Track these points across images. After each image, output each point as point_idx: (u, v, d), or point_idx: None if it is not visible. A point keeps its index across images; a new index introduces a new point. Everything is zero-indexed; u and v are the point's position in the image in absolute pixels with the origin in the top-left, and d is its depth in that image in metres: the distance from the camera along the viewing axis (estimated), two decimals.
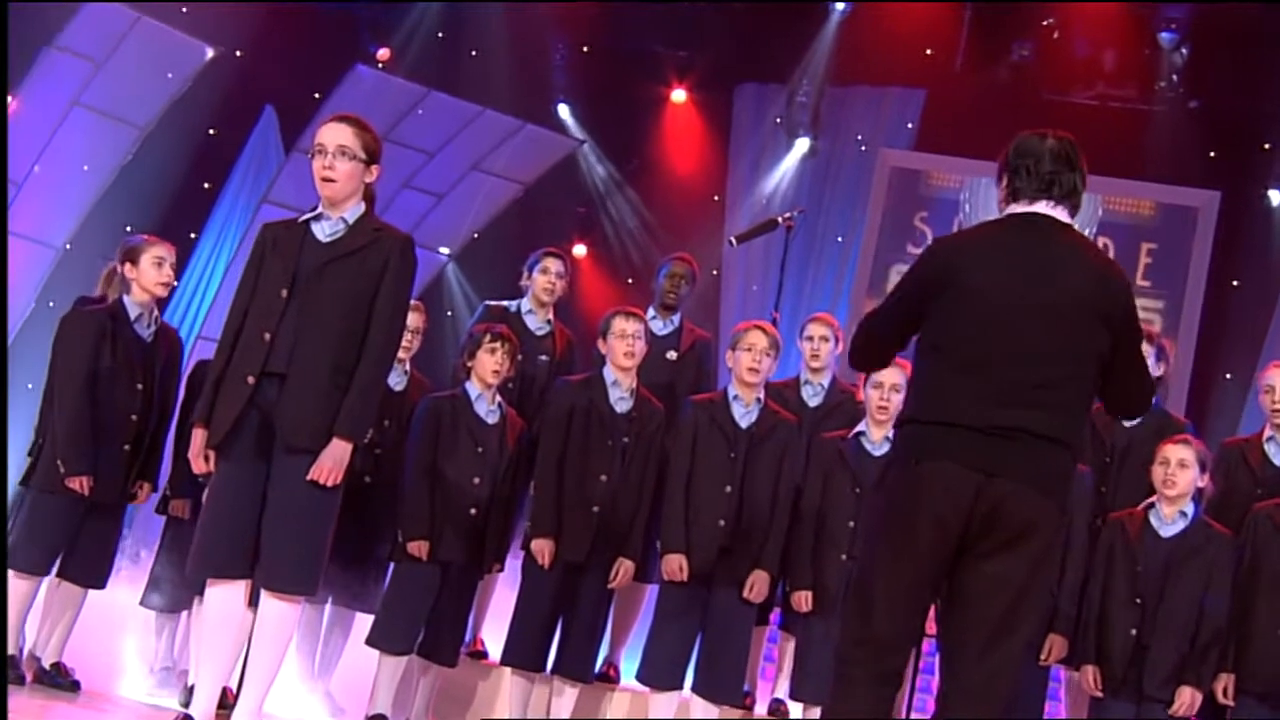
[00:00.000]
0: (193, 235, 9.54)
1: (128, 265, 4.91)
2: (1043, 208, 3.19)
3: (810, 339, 5.44)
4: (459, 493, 4.90)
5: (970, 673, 3.04)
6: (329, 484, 3.64)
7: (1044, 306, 3.08)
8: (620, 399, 5.05)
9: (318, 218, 3.81)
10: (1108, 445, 5.06)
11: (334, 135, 3.77)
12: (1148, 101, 9.30)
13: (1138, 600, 4.61)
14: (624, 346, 5.02)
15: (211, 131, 9.40)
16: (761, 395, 5.00)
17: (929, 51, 9.55)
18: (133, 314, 4.91)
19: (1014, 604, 3.04)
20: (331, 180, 3.75)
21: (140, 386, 4.88)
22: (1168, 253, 9.24)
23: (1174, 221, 9.25)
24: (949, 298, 3.13)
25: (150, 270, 4.89)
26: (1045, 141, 3.23)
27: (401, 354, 5.15)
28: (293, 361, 3.65)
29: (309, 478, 3.62)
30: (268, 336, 3.67)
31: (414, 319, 5.20)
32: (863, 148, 9.94)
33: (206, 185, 9.57)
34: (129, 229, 8.42)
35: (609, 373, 5.07)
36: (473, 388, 5.01)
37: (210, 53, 8.97)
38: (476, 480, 4.92)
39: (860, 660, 3.07)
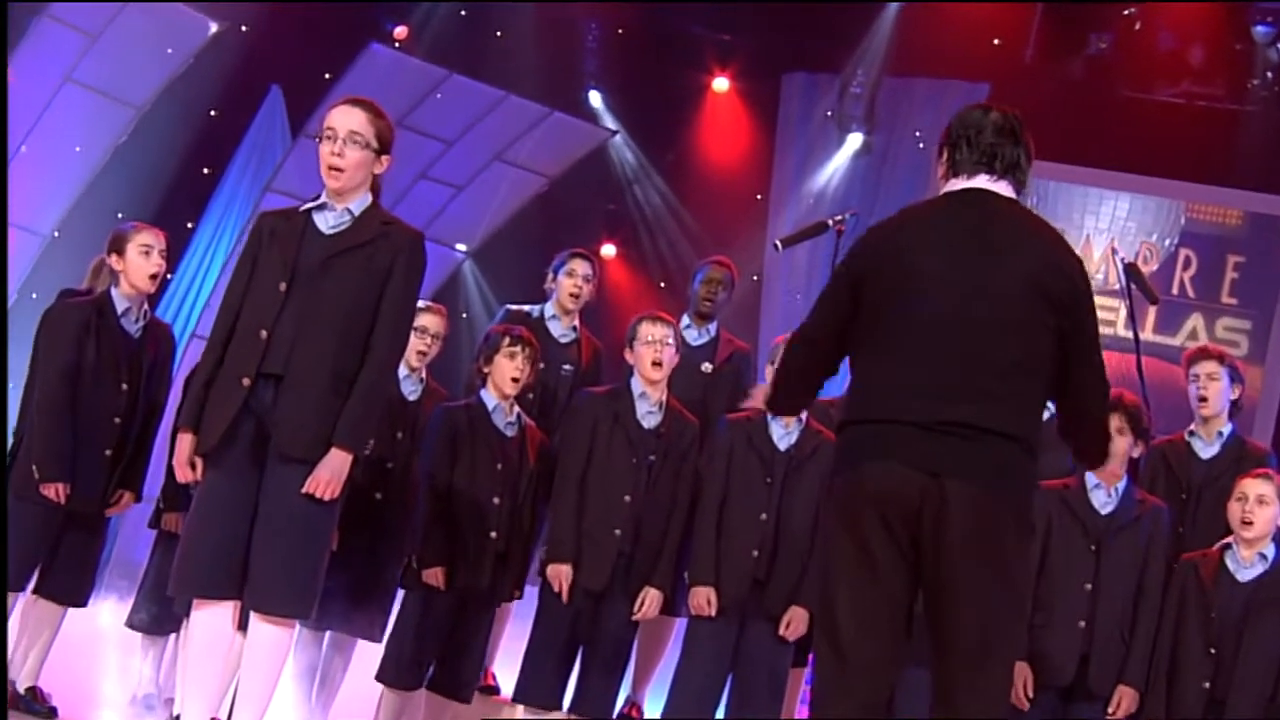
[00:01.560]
0: (190, 225, 9.60)
1: (114, 256, 4.92)
2: (982, 182, 3.16)
3: None
4: (478, 513, 4.89)
5: (957, 701, 2.98)
6: (326, 498, 3.65)
7: (985, 289, 3.03)
8: (648, 413, 5.06)
9: (320, 208, 3.82)
10: (1183, 480, 5.05)
11: (345, 119, 3.79)
12: (1238, 101, 9.25)
13: (1212, 651, 4.58)
14: (651, 354, 5.02)
15: (213, 113, 9.46)
16: (804, 414, 5.00)
17: (996, 42, 9.53)
18: (120, 308, 4.92)
19: (983, 622, 2.97)
20: (339, 169, 3.77)
21: (125, 386, 4.89)
22: (1257, 267, 9.19)
23: (1264, 232, 9.19)
24: (880, 285, 3.10)
25: (137, 260, 4.90)
26: (988, 114, 3.22)
27: (417, 361, 5.17)
28: (291, 363, 3.67)
29: (304, 490, 3.63)
30: (264, 334, 3.68)
31: (434, 322, 5.21)
32: (921, 145, 9.92)
33: (206, 171, 9.63)
34: (120, 216, 8.49)
35: (636, 384, 5.08)
36: (489, 396, 5.00)
37: (214, 27, 9.03)
38: (496, 499, 4.91)
39: (836, 697, 3.01)
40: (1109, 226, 9.48)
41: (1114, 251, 9.25)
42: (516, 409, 5.07)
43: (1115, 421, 4.68)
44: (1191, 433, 5.10)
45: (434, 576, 4.84)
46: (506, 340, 5.00)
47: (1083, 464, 3.42)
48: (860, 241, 3.24)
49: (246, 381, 3.66)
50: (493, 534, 4.90)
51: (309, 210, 3.82)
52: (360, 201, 3.83)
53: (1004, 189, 3.17)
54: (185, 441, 3.73)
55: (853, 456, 3.08)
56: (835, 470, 3.15)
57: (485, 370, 5.01)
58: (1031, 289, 3.04)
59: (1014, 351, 3.04)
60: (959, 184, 3.19)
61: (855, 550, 3.03)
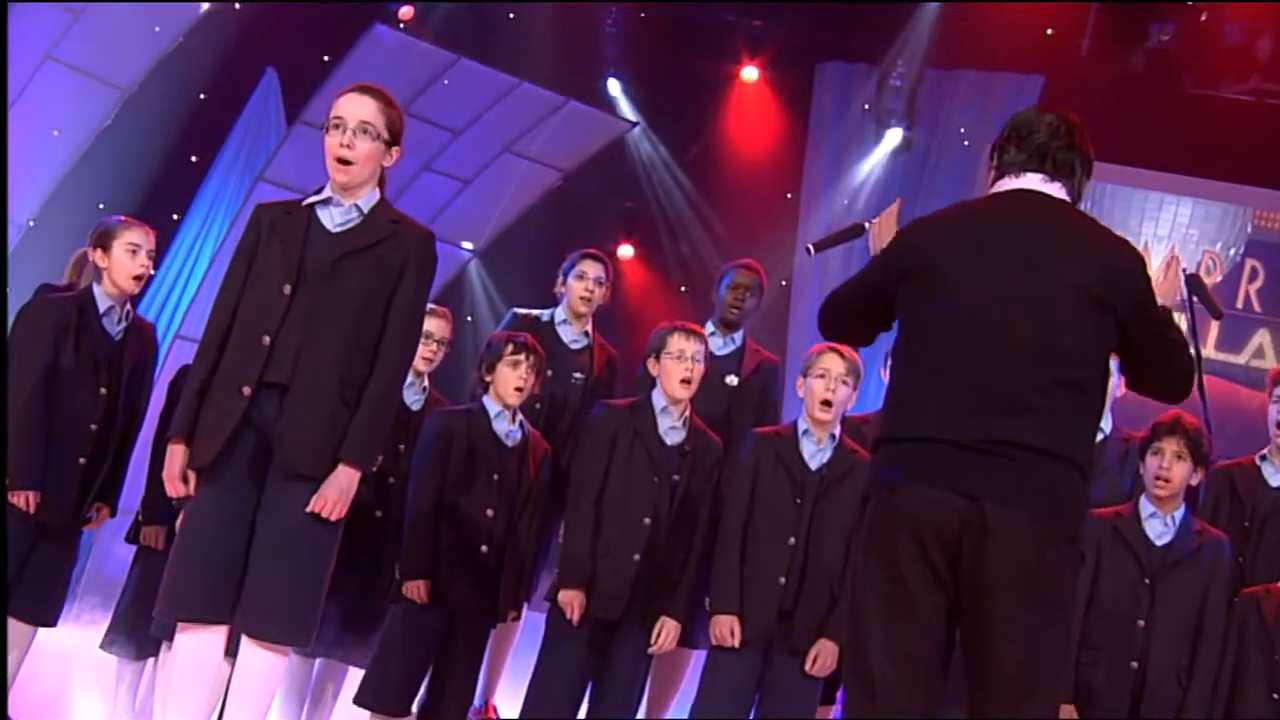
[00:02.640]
0: (175, 216, 9.65)
1: (99, 251, 4.94)
2: (1032, 182, 3.17)
3: None
4: (469, 526, 4.92)
5: None
6: (331, 518, 3.67)
7: (1032, 295, 3.03)
8: (671, 429, 5.07)
9: (325, 202, 3.83)
10: (1249, 507, 5.03)
11: (356, 109, 3.80)
12: None
13: (1275, 696, 4.57)
14: (682, 370, 5.03)
15: (203, 96, 9.52)
16: (837, 431, 5.00)
17: (1050, 31, 9.53)
18: (102, 307, 4.94)
19: (1027, 659, 2.95)
20: (349, 162, 3.78)
21: (104, 391, 4.90)
22: None
23: None
24: (917, 288, 3.11)
25: (123, 259, 4.92)
26: (1043, 116, 3.24)
27: (422, 365, 5.20)
28: (297, 371, 3.68)
29: (309, 509, 3.64)
30: (267, 340, 3.69)
31: (438, 326, 5.25)
32: (966, 143, 9.93)
33: (194, 159, 9.68)
34: (102, 206, 8.55)
35: (658, 398, 5.09)
36: (491, 404, 5.03)
37: (205, 5, 9.08)
38: (490, 512, 4.94)
39: None
40: (1169, 234, 9.47)
41: (1175, 260, 9.22)
42: (520, 417, 5.09)
43: (1173, 445, 4.67)
44: (1264, 457, 5.08)
45: (414, 589, 4.86)
46: (510, 347, 5.02)
47: (1167, 398, 3.34)
48: (901, 236, 3.25)
49: (247, 391, 3.67)
50: (483, 548, 4.92)
51: (312, 205, 3.83)
52: (369, 197, 3.85)
53: (1056, 190, 3.17)
54: (177, 454, 3.73)
55: (886, 478, 3.07)
56: (867, 493, 3.14)
57: (487, 379, 5.04)
58: (1083, 296, 3.03)
59: (1062, 364, 3.02)
60: (1007, 184, 3.20)
61: (888, 581, 3.02)
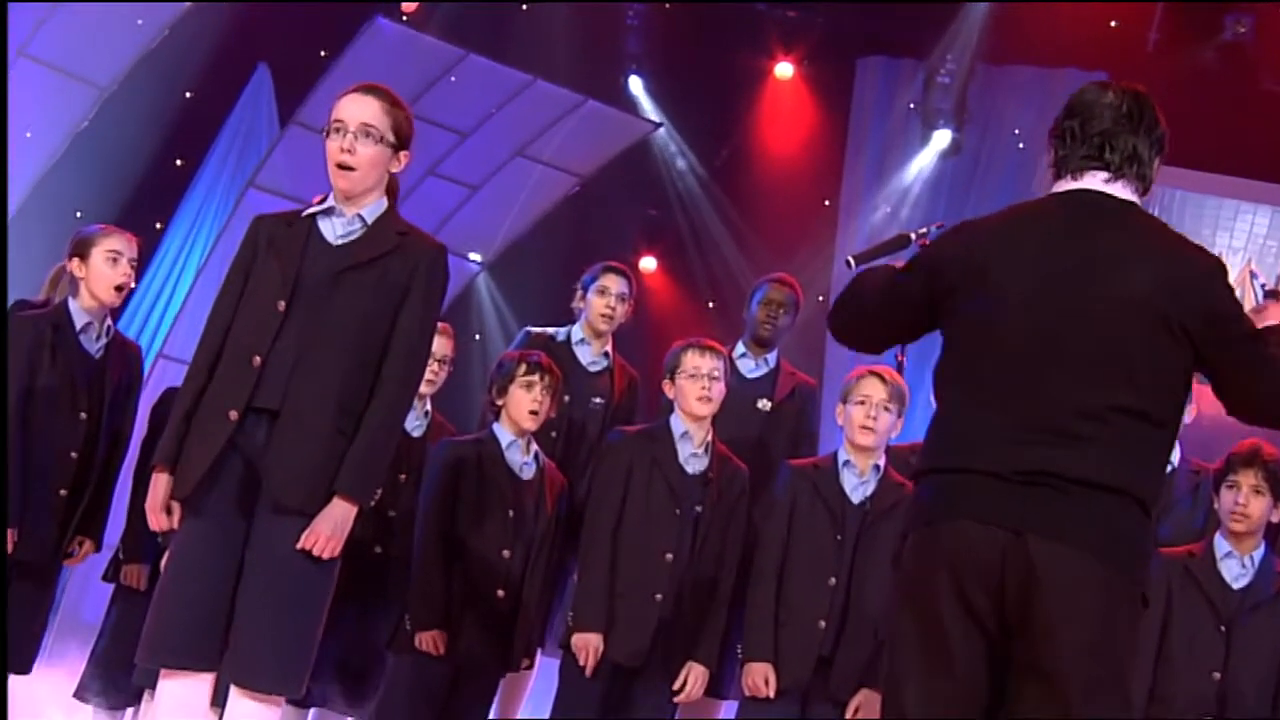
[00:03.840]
0: (159, 225, 9.71)
1: (76, 261, 4.96)
2: (1094, 181, 3.10)
3: None
4: (484, 569, 4.92)
5: None
6: (325, 555, 3.67)
7: (1088, 310, 2.97)
8: (692, 456, 5.07)
9: (327, 213, 3.85)
10: None
11: (358, 110, 3.82)
12: None
13: None
14: (696, 389, 5.04)
15: (189, 95, 9.57)
16: (881, 461, 5.00)
17: (1114, 24, 9.53)
18: (79, 323, 4.96)
19: (1082, 713, 2.88)
20: (350, 168, 3.80)
21: (84, 415, 4.92)
22: None
23: None
24: (961, 300, 3.06)
25: (103, 268, 4.95)
26: (1103, 95, 3.13)
27: (424, 388, 5.21)
28: (289, 395, 3.68)
29: (300, 546, 3.64)
30: (258, 361, 3.70)
31: (440, 345, 5.24)
32: (1021, 145, 9.93)
33: (180, 162, 9.74)
34: (79, 214, 8.60)
35: (677, 422, 5.09)
36: (503, 432, 5.04)
37: None
38: (506, 552, 4.95)
39: None
40: (1245, 245, 9.44)
41: (1252, 275, 9.20)
42: (534, 447, 5.10)
43: (1250, 478, 4.65)
44: None
45: (428, 641, 4.86)
46: (523, 368, 5.03)
47: (1269, 424, 3.23)
48: (943, 241, 3.20)
49: (234, 415, 3.68)
50: (500, 592, 4.93)
51: (313, 215, 3.85)
52: (374, 206, 3.86)
53: (1120, 190, 3.11)
54: (160, 483, 3.73)
55: (924, 513, 3.04)
56: (905, 529, 3.11)
57: (498, 402, 5.05)
58: (1148, 312, 2.97)
59: (1121, 388, 2.96)
60: (1065, 185, 3.14)
61: (926, 628, 2.99)
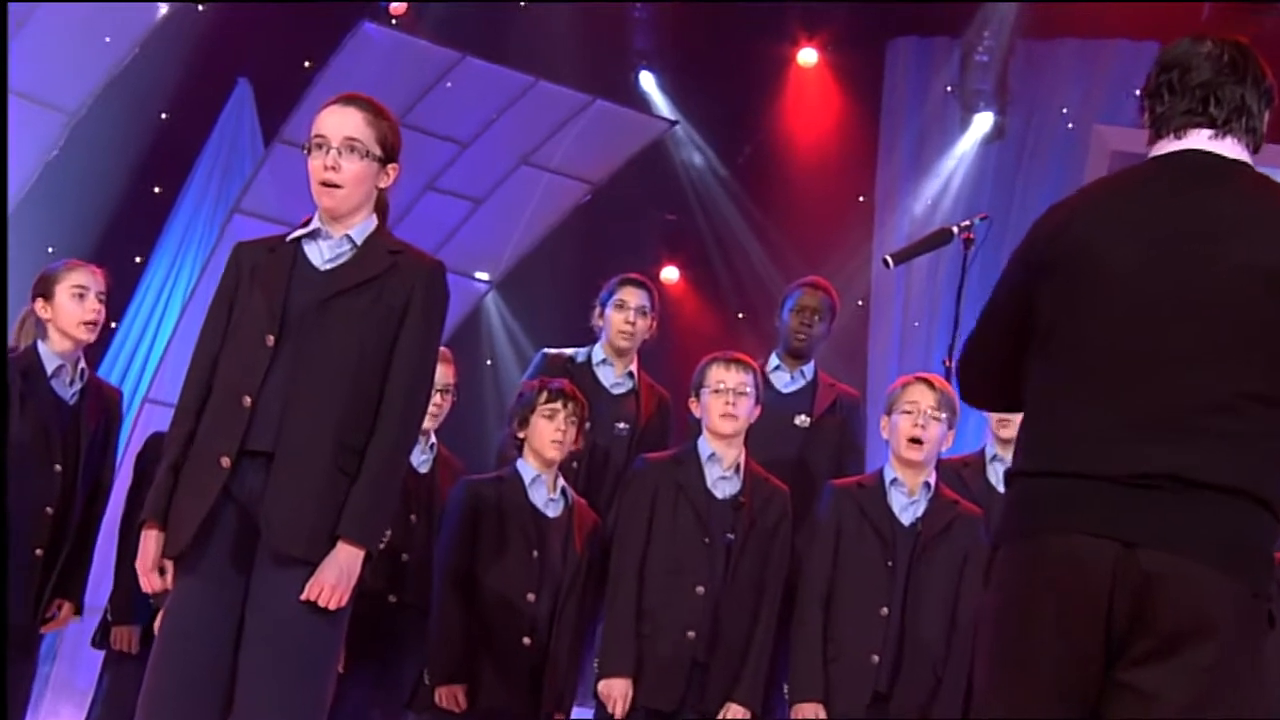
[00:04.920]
0: (139, 258, 9.73)
1: (40, 302, 5.00)
2: (1199, 140, 3.00)
3: None
4: (508, 616, 4.92)
5: None
6: (332, 606, 3.67)
7: (1204, 288, 2.86)
8: (720, 479, 5.08)
9: (312, 235, 3.87)
10: None
11: (339, 123, 3.84)
12: None
13: None
14: (720, 405, 5.04)
15: (164, 116, 9.60)
16: (931, 479, 4.98)
17: None
18: (49, 367, 4.98)
19: None
20: (335, 185, 3.81)
21: (59, 468, 4.94)
22: None
23: None
24: (1058, 285, 2.96)
25: (69, 305, 4.97)
26: (1199, 45, 3.04)
27: (427, 422, 5.21)
28: (284, 436, 3.69)
29: (304, 597, 3.65)
30: (248, 401, 3.71)
31: (441, 373, 5.23)
32: (1070, 125, 9.91)
33: (158, 190, 9.76)
34: (51, 250, 8.62)
35: (704, 444, 5.10)
36: (526, 468, 5.05)
37: (163, 8, 9.15)
38: (531, 597, 4.95)
39: None
40: None
41: None
42: (561, 483, 5.10)
43: None
44: None
45: (450, 696, 4.87)
46: (544, 396, 5.05)
47: None
48: (1037, 224, 3.08)
49: (226, 462, 3.69)
50: (525, 640, 4.93)
51: (298, 239, 3.87)
52: (363, 226, 3.88)
53: (1229, 148, 3.00)
54: (151, 541, 3.75)
55: (1020, 523, 2.94)
56: (996, 540, 3.01)
57: (520, 435, 5.07)
58: (1271, 285, 2.85)
59: (1246, 376, 2.85)
60: (1167, 146, 3.03)
61: (1022, 654, 2.90)
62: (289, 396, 3.71)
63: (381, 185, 3.90)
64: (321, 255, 3.85)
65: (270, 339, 3.74)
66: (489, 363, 10.41)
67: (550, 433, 5.02)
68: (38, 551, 4.92)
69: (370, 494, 3.71)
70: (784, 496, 5.14)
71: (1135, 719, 2.83)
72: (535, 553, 4.98)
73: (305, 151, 3.87)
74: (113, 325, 9.38)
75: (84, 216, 9.23)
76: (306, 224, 3.89)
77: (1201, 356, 2.86)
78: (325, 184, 3.82)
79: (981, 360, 3.19)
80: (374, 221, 3.90)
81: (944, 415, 4.95)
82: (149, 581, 3.74)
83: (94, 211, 9.30)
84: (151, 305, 9.88)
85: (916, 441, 4.92)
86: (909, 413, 4.94)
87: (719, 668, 4.99)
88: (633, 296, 5.75)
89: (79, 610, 5.11)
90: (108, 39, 9.10)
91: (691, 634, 4.96)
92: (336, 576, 3.66)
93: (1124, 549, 2.81)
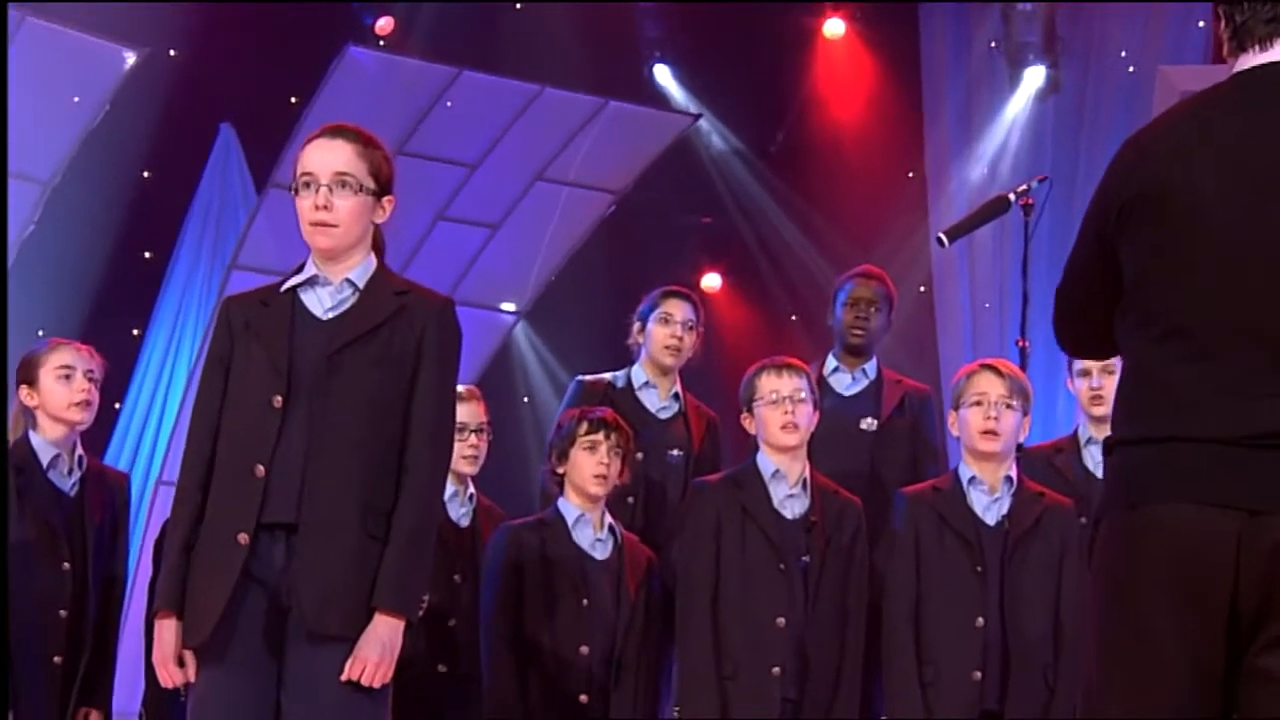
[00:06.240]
0: (136, 331, 9.76)
1: (25, 389, 5.02)
2: None
3: (1087, 374, 5.41)
4: (560, 669, 4.94)
5: None
6: (375, 684, 3.67)
7: None
8: (788, 498, 5.08)
9: (309, 283, 3.87)
10: None
11: (327, 158, 3.84)
12: None
13: None
14: (779, 417, 5.04)
15: (146, 174, 9.63)
16: (1012, 471, 4.98)
17: None
18: (44, 458, 5.00)
19: None
20: (329, 225, 3.82)
21: (68, 565, 4.95)
22: None
23: None
24: (1147, 229, 2.90)
25: (55, 388, 5.00)
26: None
27: (464, 467, 5.24)
28: (305, 505, 3.70)
29: (345, 677, 3.65)
30: (261, 470, 3.72)
31: (471, 413, 5.25)
32: (1131, 68, 9.86)
33: (148, 255, 9.79)
34: (40, 332, 8.67)
35: (765, 460, 5.10)
36: (569, 507, 5.06)
37: (131, 57, 9.14)
38: (584, 649, 4.97)
39: None
40: None
41: None
42: (609, 520, 5.11)
43: None
44: None
45: None
46: (584, 427, 5.06)
47: None
48: (1111, 167, 3.02)
49: (244, 538, 3.69)
50: (582, 697, 4.95)
51: (293, 288, 3.87)
52: (363, 268, 3.89)
53: None
54: (168, 631, 3.75)
55: (1126, 493, 2.89)
56: (1099, 513, 2.96)
57: (559, 471, 5.08)
58: None
59: None
60: (1250, 60, 2.97)
61: (1135, 639, 2.86)
62: (306, 462, 3.72)
63: (378, 220, 3.91)
64: (322, 304, 3.85)
65: (278, 400, 3.75)
66: (525, 400, 10.40)
67: (592, 467, 5.02)
68: (56, 659, 4.93)
69: (403, 559, 3.71)
70: (857, 510, 5.14)
71: (1266, 707, 2.79)
72: (584, 600, 5.00)
73: (292, 192, 3.87)
74: (115, 406, 9.42)
75: (71, 292, 9.25)
76: (300, 270, 3.89)
77: None
78: (318, 224, 3.81)
79: (1073, 318, 3.16)
80: (374, 262, 3.90)
81: (1016, 402, 4.93)
82: (167, 675, 3.75)
83: (81, 285, 9.32)
84: (155, 380, 9.90)
85: (991, 434, 4.91)
86: (979, 404, 4.93)
87: (810, 704, 4.99)
88: (678, 309, 5.74)
89: (107, 718, 5.11)
90: (76, 99, 9.10)
91: (777, 670, 4.96)
92: (379, 652, 3.66)
93: (1249, 518, 2.76)
